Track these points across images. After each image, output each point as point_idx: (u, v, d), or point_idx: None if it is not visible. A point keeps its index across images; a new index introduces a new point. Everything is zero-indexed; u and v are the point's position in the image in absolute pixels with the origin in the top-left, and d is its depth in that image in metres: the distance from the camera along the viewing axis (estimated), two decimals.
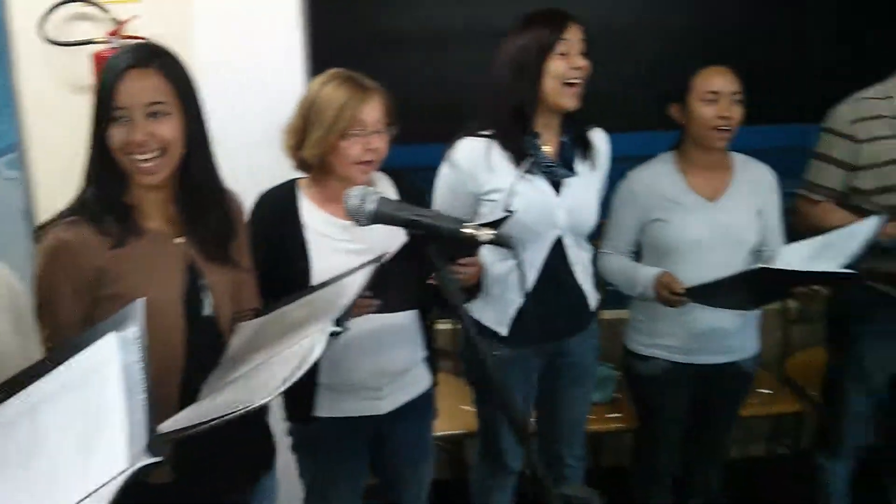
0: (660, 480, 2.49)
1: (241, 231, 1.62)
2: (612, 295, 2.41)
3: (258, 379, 1.25)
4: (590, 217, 2.10)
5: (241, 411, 1.11)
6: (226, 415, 1.11)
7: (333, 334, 1.24)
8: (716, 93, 2.12)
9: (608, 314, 2.71)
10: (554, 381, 2.21)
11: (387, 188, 1.90)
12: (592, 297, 2.17)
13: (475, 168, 2.01)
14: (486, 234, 1.27)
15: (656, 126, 2.33)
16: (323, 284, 1.53)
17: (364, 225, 1.34)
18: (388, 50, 3.02)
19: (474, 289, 1.77)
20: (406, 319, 1.88)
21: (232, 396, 1.23)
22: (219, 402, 1.23)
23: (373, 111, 1.75)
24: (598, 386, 2.62)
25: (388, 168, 1.91)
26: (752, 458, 3.17)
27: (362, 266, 1.47)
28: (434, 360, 2.00)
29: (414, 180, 1.99)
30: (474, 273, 1.71)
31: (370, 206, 1.32)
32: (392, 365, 1.88)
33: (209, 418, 1.11)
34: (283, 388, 1.14)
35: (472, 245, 1.27)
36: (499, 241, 1.28)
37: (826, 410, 2.52)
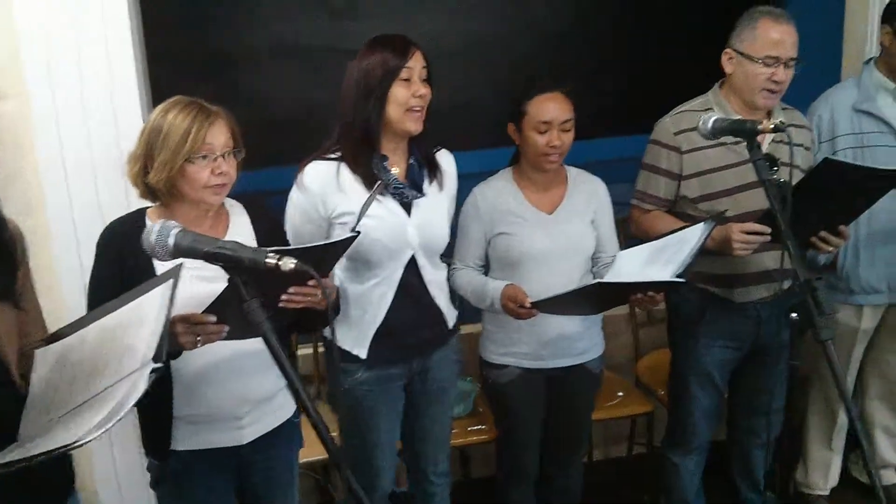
0: (523, 483, 2.57)
1: (21, 263, 1.56)
2: (471, 309, 2.48)
3: (79, 418, 1.25)
4: (441, 236, 2.15)
5: (64, 450, 1.14)
6: (51, 451, 1.15)
7: (154, 371, 1.24)
8: (547, 122, 2.22)
9: (467, 328, 2.78)
10: (416, 399, 2.24)
11: (240, 215, 1.90)
12: (450, 315, 2.22)
13: (325, 191, 2.02)
14: (289, 263, 1.29)
15: (507, 143, 2.41)
16: (117, 303, 1.48)
17: (165, 260, 1.35)
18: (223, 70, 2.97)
19: (327, 312, 1.77)
20: (263, 345, 1.85)
21: (60, 434, 1.23)
22: (47, 440, 1.23)
23: (219, 134, 1.74)
24: (459, 400, 2.68)
25: (242, 194, 1.90)
26: (614, 458, 3.32)
27: (156, 284, 1.45)
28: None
29: (267, 206, 1.98)
30: (320, 298, 1.68)
31: (170, 240, 1.33)
32: (252, 392, 1.85)
33: (37, 453, 1.17)
34: (100, 432, 1.16)
35: (278, 275, 1.29)
36: (300, 271, 1.29)
37: (673, 409, 2.66)
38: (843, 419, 2.85)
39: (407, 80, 1.99)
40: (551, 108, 2.23)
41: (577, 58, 3.27)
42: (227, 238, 1.75)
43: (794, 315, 1.56)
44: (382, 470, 2.22)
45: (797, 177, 2.26)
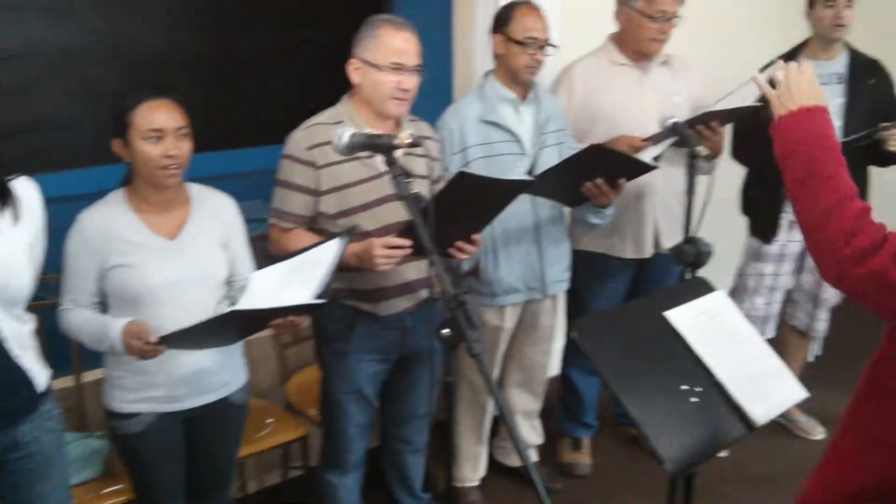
0: None
1: None
2: (89, 354, 2.14)
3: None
4: (18, 280, 1.77)
5: None
6: None
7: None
8: (158, 130, 1.97)
9: (91, 375, 2.42)
10: (16, 480, 1.84)
11: None
12: (39, 375, 1.86)
13: None
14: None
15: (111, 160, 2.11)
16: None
17: None
18: None
19: None
20: None
21: None
22: None
23: None
24: (85, 463, 2.31)
25: None
26: (269, 487, 3.15)
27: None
28: None
29: None
30: None
31: None
32: None
33: None
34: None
35: None
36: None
37: (327, 429, 2.57)
38: (489, 411, 2.99)
39: None
40: (161, 116, 1.98)
41: (192, 68, 3.07)
42: None
43: (445, 331, 1.53)
44: None
45: (427, 188, 2.29)
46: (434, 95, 2.89)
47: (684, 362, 1.88)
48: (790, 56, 3.16)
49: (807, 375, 3.65)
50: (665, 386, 1.81)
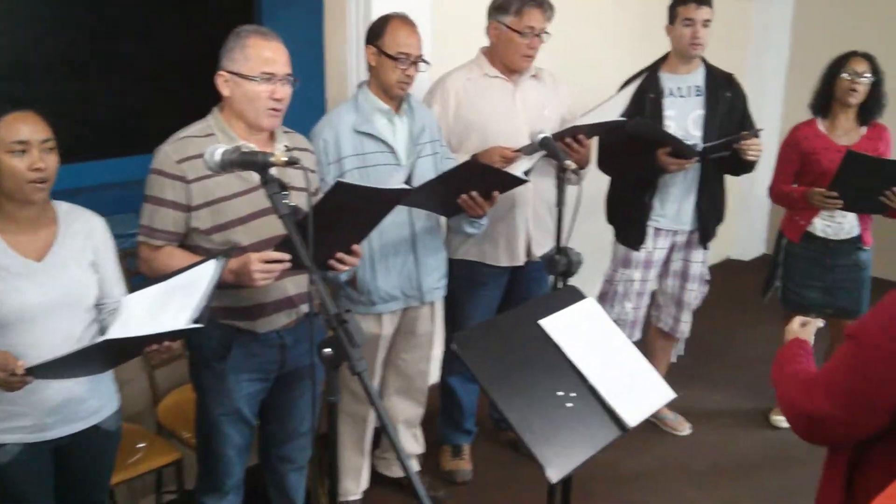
0: None
1: None
2: None
3: None
4: None
5: None
6: None
7: None
8: (24, 143, 1.89)
9: None
10: None
11: None
12: None
13: None
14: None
15: None
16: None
17: None
18: None
19: None
20: None
21: None
22: None
23: None
24: None
25: None
26: None
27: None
28: None
29: None
30: None
31: None
32: None
33: None
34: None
35: None
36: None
37: (204, 451, 2.48)
38: (371, 423, 2.98)
39: None
40: (25, 129, 1.89)
41: (57, 75, 2.92)
42: None
43: (327, 350, 1.52)
44: None
45: (306, 201, 2.27)
46: (307, 106, 2.87)
47: (560, 369, 1.95)
48: (652, 69, 3.33)
49: (673, 374, 3.86)
50: (542, 393, 1.87)
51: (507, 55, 2.96)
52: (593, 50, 4.29)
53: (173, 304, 1.87)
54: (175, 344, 1.92)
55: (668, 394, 2.07)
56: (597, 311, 2.15)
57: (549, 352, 1.97)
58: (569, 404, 1.88)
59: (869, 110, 3.38)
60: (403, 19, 2.68)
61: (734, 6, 5.29)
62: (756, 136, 3.16)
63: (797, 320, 1.98)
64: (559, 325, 2.02)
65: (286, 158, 1.70)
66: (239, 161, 1.78)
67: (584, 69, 3.78)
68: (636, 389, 2.01)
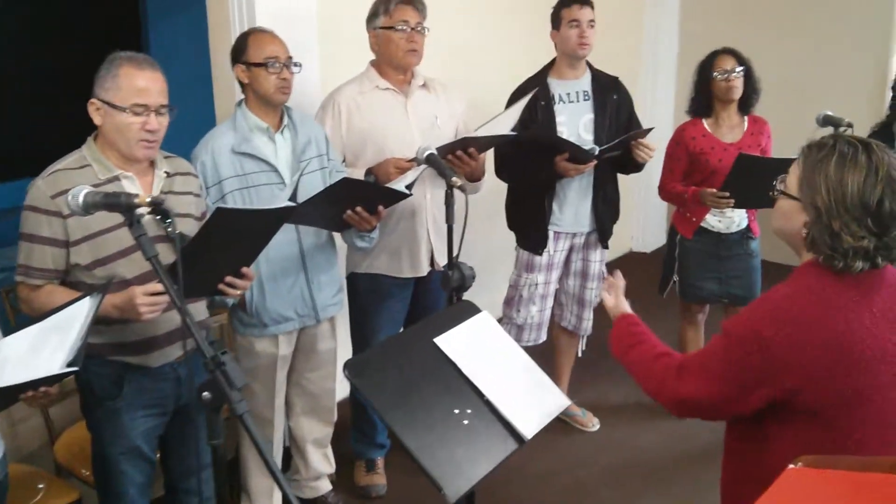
0: None
1: None
2: None
3: None
4: None
5: None
6: None
7: None
8: None
9: None
10: None
11: None
12: None
13: None
14: None
15: None
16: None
17: None
18: None
19: None
20: None
21: None
22: None
23: None
24: None
25: None
26: None
27: None
28: None
29: None
30: None
31: None
32: None
33: None
34: None
35: None
36: None
37: (104, 492, 2.39)
38: (278, 442, 2.94)
39: None
40: None
41: None
42: None
43: (206, 394, 1.48)
44: None
45: (194, 226, 2.22)
46: (196, 126, 2.79)
47: (456, 386, 1.96)
48: (540, 76, 3.37)
49: (578, 371, 3.93)
50: (439, 413, 1.87)
51: (393, 56, 2.95)
52: (484, 56, 4.33)
53: (48, 346, 1.80)
54: (53, 388, 1.84)
55: (563, 401, 2.10)
56: (491, 324, 2.17)
57: (446, 369, 1.97)
58: (465, 421, 1.89)
59: (748, 100, 3.52)
60: (262, 30, 2.69)
61: (626, 9, 5.45)
62: (646, 134, 3.25)
63: (608, 298, 2.10)
64: (454, 342, 2.02)
65: (150, 199, 1.65)
66: (103, 203, 1.73)
67: (472, 80, 3.80)
68: (532, 400, 2.03)
